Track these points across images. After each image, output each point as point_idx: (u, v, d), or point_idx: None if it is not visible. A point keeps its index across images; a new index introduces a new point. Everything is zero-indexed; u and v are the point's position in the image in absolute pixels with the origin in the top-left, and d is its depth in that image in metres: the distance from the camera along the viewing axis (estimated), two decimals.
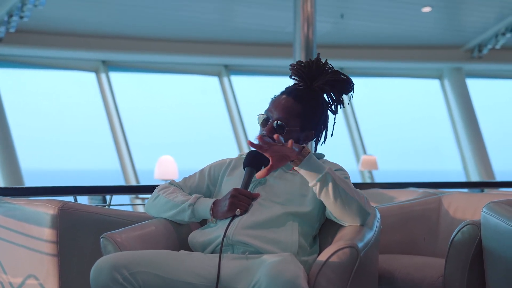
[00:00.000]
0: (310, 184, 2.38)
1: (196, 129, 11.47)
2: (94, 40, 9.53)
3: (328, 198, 2.37)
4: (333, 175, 2.35)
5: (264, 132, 2.57)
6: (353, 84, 2.63)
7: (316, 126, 2.63)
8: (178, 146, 11.26)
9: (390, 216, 3.48)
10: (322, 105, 2.63)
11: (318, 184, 2.35)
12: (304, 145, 2.38)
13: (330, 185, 2.34)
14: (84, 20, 9.17)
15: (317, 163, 2.35)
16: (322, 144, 2.69)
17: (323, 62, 2.63)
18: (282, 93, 2.63)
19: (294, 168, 2.37)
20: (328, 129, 2.69)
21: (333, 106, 2.64)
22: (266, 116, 2.59)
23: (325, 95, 2.65)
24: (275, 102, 2.60)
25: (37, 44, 9.24)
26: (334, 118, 2.68)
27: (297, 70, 2.64)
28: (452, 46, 10.78)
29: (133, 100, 10.93)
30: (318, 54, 2.67)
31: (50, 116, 10.79)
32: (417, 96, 12.33)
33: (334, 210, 2.40)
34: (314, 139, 2.67)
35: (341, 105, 2.65)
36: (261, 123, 2.60)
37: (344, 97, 2.66)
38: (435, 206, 3.54)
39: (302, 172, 2.36)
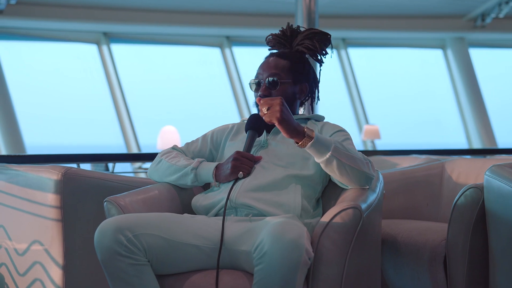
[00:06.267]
0: (315, 160, 2.40)
1: (198, 101, 11.44)
2: (95, 11, 9.48)
3: (334, 174, 2.40)
4: (338, 155, 2.35)
5: (260, 93, 2.61)
6: (330, 36, 2.70)
7: (307, 78, 2.68)
8: (180, 118, 11.25)
9: (393, 181, 3.50)
10: (308, 60, 2.70)
11: (323, 163, 2.37)
12: (306, 126, 2.38)
13: (335, 164, 2.35)
14: None
15: (323, 145, 2.35)
16: (317, 102, 2.73)
17: (295, 27, 2.72)
18: (267, 57, 2.70)
19: (301, 148, 2.37)
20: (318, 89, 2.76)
21: (318, 57, 2.70)
22: (257, 80, 2.64)
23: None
24: (263, 65, 2.66)
25: (38, 16, 9.20)
26: (320, 71, 2.77)
27: (274, 40, 2.73)
28: (454, 15, 10.71)
29: (135, 72, 10.89)
30: (288, 23, 2.73)
31: (51, 89, 10.75)
32: (420, 66, 12.27)
33: (340, 180, 2.43)
34: (310, 100, 2.70)
35: (324, 55, 2.71)
36: (254, 88, 2.65)
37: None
38: (438, 172, 3.54)
39: (309, 151, 2.37)
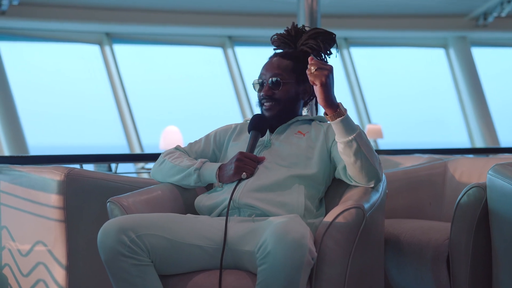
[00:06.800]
0: (336, 139, 2.40)
1: (201, 101, 11.46)
2: (97, 12, 9.49)
3: (348, 158, 2.39)
4: (360, 141, 2.36)
5: (263, 94, 2.60)
6: (335, 35, 2.69)
7: None
8: (183, 118, 11.26)
9: (395, 181, 3.49)
10: None
11: (343, 144, 2.37)
12: (340, 103, 2.38)
13: (354, 148, 2.36)
14: None
15: (350, 125, 2.37)
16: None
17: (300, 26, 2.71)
18: (271, 57, 2.68)
19: (329, 121, 2.37)
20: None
21: (322, 57, 2.69)
22: (260, 80, 2.63)
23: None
24: (266, 65, 2.65)
25: (40, 17, 9.20)
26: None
27: (279, 40, 2.72)
28: (457, 14, 10.70)
29: (137, 73, 10.90)
30: (293, 22, 2.72)
31: (54, 89, 10.77)
32: (422, 66, 12.27)
33: (350, 169, 2.42)
34: (314, 100, 2.70)
35: (329, 55, 2.70)
36: (258, 89, 2.64)
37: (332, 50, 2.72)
38: (441, 171, 3.54)
39: (334, 127, 2.38)
